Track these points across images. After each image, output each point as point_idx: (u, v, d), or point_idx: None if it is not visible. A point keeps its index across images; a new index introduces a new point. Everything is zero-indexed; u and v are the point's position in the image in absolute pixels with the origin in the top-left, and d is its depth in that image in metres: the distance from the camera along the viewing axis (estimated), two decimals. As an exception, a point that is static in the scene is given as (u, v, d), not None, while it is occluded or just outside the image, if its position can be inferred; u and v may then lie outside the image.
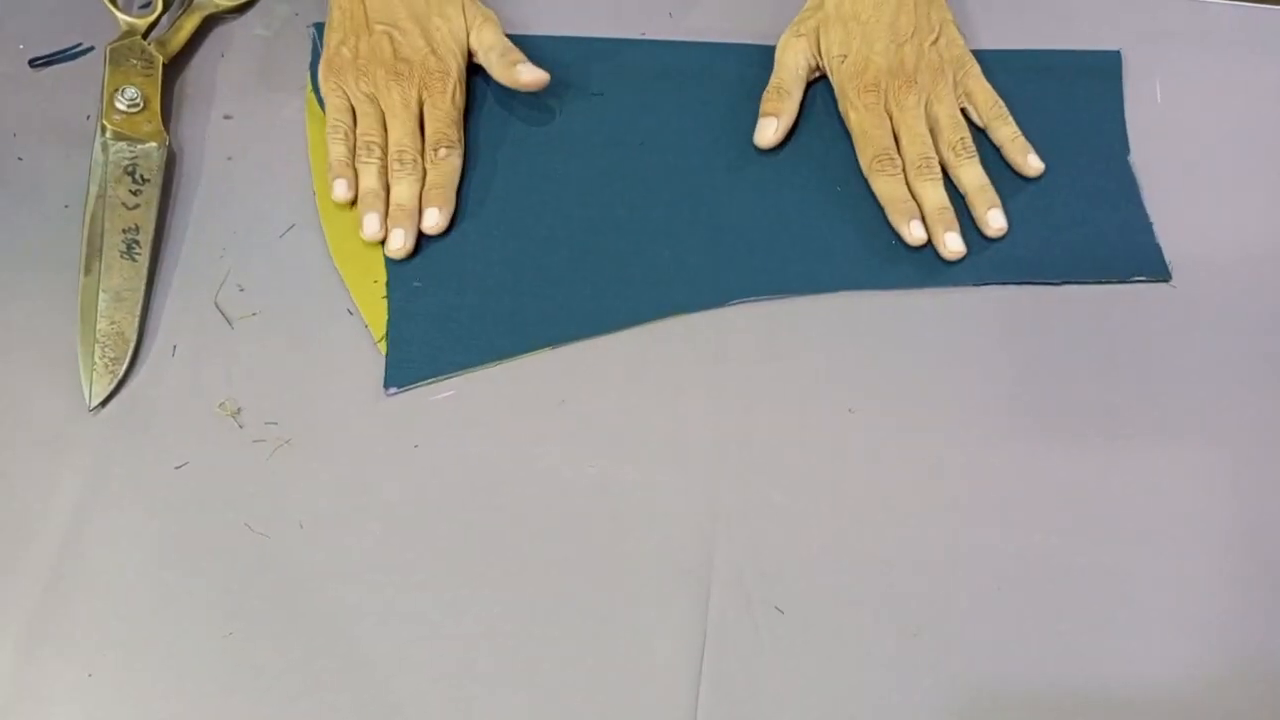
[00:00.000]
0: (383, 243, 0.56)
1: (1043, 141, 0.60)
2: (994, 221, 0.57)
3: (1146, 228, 0.58)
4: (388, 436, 0.52)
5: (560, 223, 0.58)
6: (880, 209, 0.58)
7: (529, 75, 0.59)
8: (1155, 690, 0.48)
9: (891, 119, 0.59)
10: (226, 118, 0.60)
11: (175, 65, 0.61)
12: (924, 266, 0.57)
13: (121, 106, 0.57)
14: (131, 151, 0.57)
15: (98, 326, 0.53)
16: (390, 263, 0.56)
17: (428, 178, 0.57)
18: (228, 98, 0.61)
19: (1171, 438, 0.53)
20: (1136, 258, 0.57)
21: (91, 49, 0.62)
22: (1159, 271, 0.57)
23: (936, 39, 0.60)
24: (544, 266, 0.56)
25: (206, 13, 0.62)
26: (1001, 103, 0.60)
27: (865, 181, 0.59)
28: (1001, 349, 0.55)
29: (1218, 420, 0.53)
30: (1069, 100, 0.62)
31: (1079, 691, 0.48)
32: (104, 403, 0.52)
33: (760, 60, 0.62)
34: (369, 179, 0.57)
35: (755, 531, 0.50)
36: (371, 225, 0.56)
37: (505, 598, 0.49)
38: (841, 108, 0.60)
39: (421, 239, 0.56)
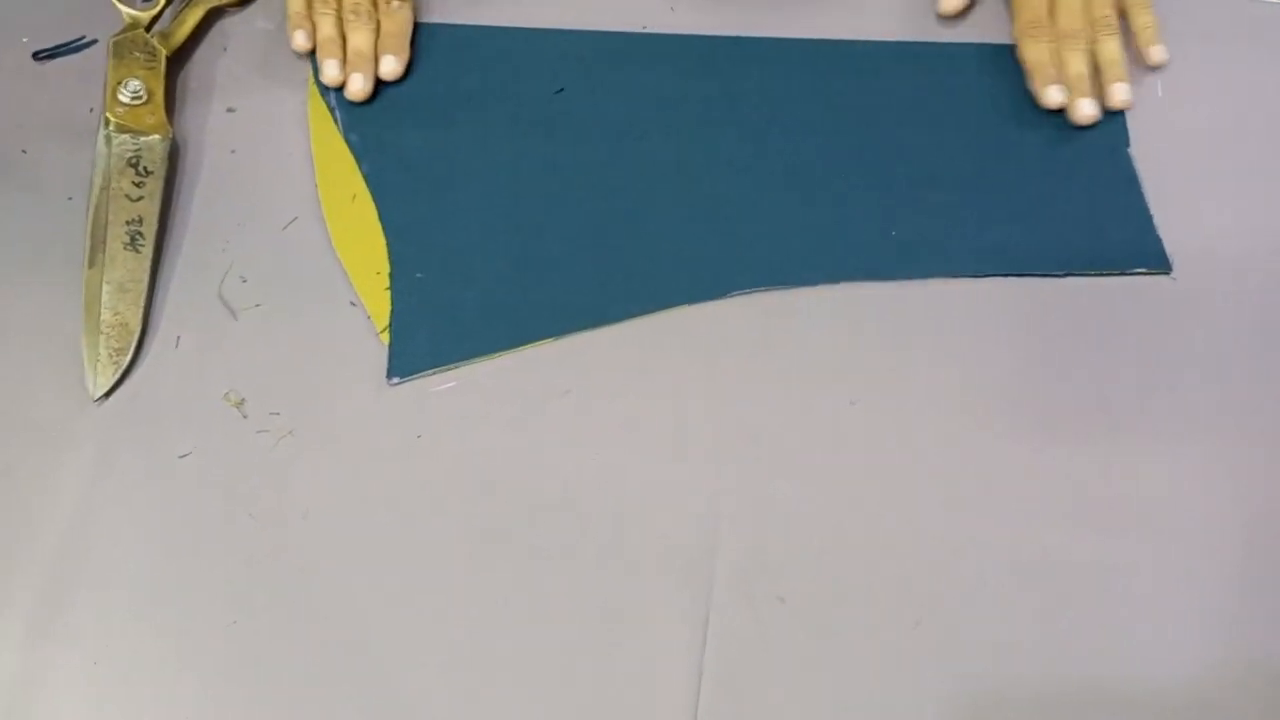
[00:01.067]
0: (341, 88, 0.60)
1: (1043, 135, 0.60)
2: (1120, 94, 0.60)
3: (1147, 220, 0.58)
4: (391, 427, 0.52)
5: (562, 214, 0.58)
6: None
7: None
8: (1156, 685, 0.48)
9: None
10: (229, 110, 0.60)
11: (178, 58, 0.61)
12: (924, 258, 0.57)
13: (125, 99, 0.57)
14: (135, 144, 0.57)
15: (102, 318, 0.53)
16: (393, 254, 0.56)
17: (382, 27, 0.61)
18: (230, 90, 0.61)
19: (1172, 430, 0.53)
20: (1137, 250, 0.58)
21: (95, 42, 0.62)
22: (1159, 264, 0.57)
23: None
24: (546, 258, 0.56)
25: (209, 6, 0.62)
26: None
27: (865, 174, 0.59)
28: (1002, 341, 0.55)
29: (1218, 413, 0.54)
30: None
31: (1079, 684, 0.48)
32: (108, 394, 0.52)
33: (761, 53, 0.62)
34: (326, 28, 0.60)
35: (757, 523, 0.50)
36: (331, 70, 0.60)
37: (507, 588, 0.49)
38: None
39: (424, 232, 0.57)
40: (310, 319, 0.54)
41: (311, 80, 0.61)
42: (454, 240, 0.57)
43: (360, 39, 0.60)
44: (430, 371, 0.53)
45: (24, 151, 0.58)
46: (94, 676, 0.47)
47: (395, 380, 0.53)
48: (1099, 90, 0.60)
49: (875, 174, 0.59)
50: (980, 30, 0.64)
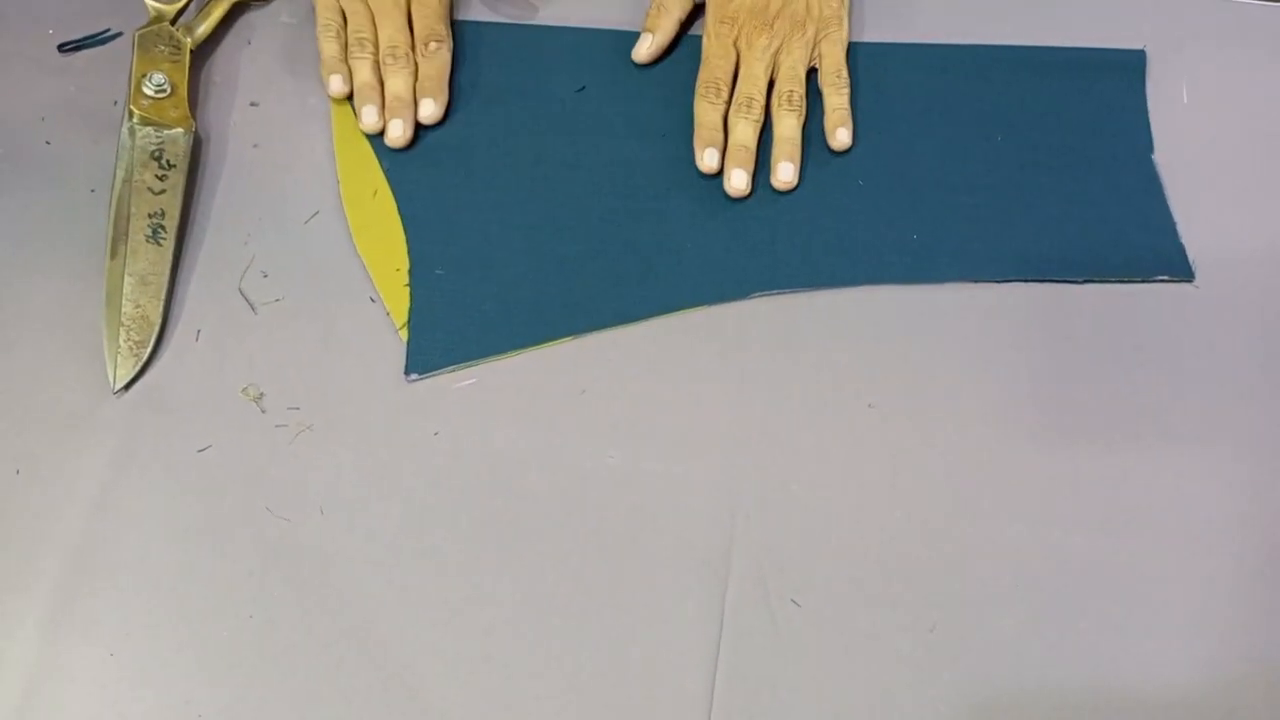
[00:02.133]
0: (381, 134, 0.59)
1: (1066, 139, 0.60)
2: (783, 173, 0.58)
3: (1170, 227, 0.58)
4: (408, 423, 0.52)
5: (582, 213, 0.58)
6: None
7: None
8: (1172, 690, 0.47)
9: (738, 55, 0.60)
10: (252, 105, 0.61)
11: (202, 52, 0.61)
12: (946, 262, 0.57)
13: (149, 92, 0.58)
14: (158, 137, 0.57)
15: (123, 310, 0.53)
16: (413, 251, 0.56)
17: (420, 70, 0.60)
18: (254, 85, 0.61)
19: (1192, 437, 0.53)
20: (1160, 257, 0.57)
21: (120, 35, 0.62)
22: (1182, 271, 0.57)
23: None
24: (566, 256, 0.57)
25: (234, 1, 0.63)
26: (845, 75, 0.61)
27: (888, 177, 0.59)
28: (1022, 346, 0.55)
29: (1239, 420, 0.53)
30: (1093, 98, 0.61)
31: (1095, 689, 0.47)
32: (128, 386, 0.52)
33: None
34: (364, 73, 0.59)
35: (773, 524, 0.50)
36: (370, 117, 0.58)
37: (523, 585, 0.49)
38: (703, 32, 0.62)
39: (444, 229, 0.57)
40: (330, 314, 0.55)
41: (334, 76, 0.61)
42: (474, 237, 0.57)
43: (399, 83, 0.59)
44: (449, 368, 0.53)
45: (48, 143, 0.59)
46: (111, 668, 0.47)
47: (414, 376, 0.53)
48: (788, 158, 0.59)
49: (897, 177, 0.59)
50: (1004, 34, 0.63)
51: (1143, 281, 0.57)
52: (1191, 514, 0.51)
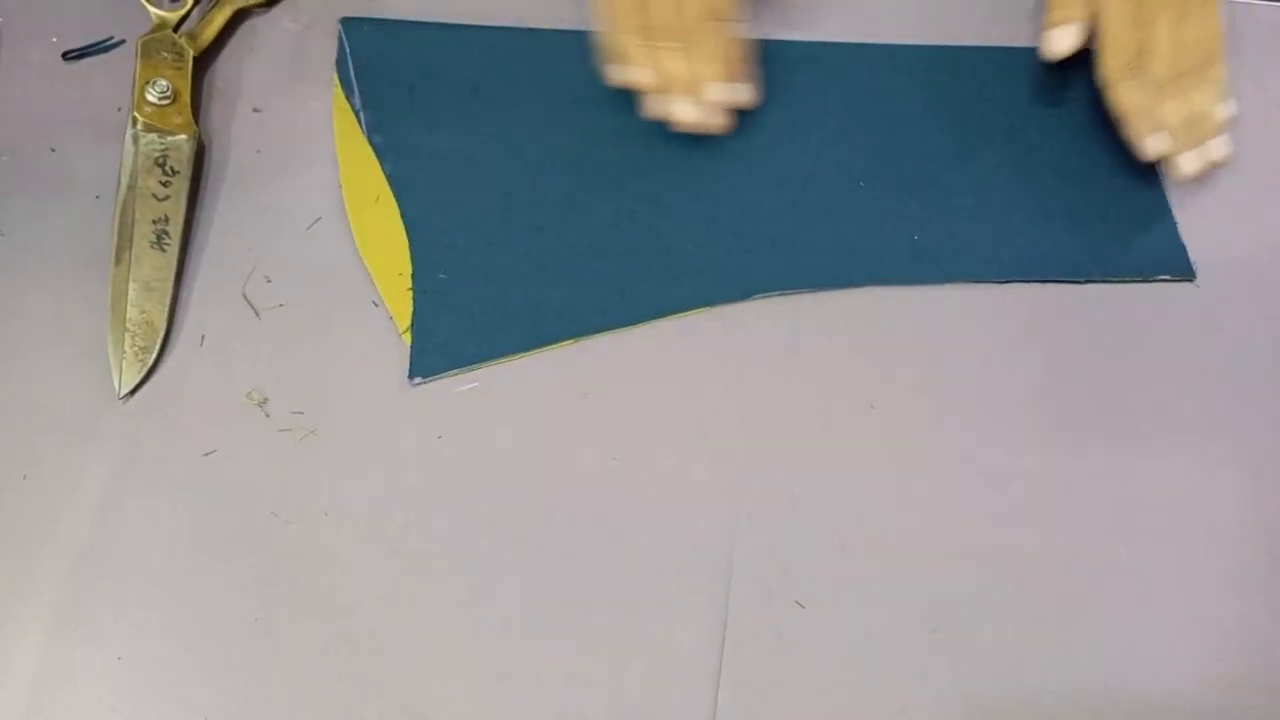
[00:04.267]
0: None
1: (1068, 140, 0.60)
2: (1220, 148, 0.56)
3: (1171, 227, 0.58)
4: (412, 427, 0.52)
5: (584, 216, 0.58)
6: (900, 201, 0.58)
7: None
8: (1175, 691, 0.48)
9: (1142, 28, 0.57)
10: (256, 111, 0.61)
11: (205, 59, 0.62)
12: (947, 263, 0.57)
13: (152, 99, 0.58)
14: (162, 143, 0.57)
15: (127, 316, 0.54)
16: (416, 255, 0.56)
17: (712, 50, 0.57)
18: (257, 91, 0.61)
19: (1194, 437, 0.53)
20: (1161, 257, 0.57)
21: (123, 42, 0.62)
22: (1183, 271, 0.57)
23: None
24: (568, 259, 0.57)
25: (236, 7, 0.63)
26: (1223, 42, 0.58)
27: (889, 178, 0.59)
28: (1024, 347, 0.55)
29: (1241, 420, 0.53)
30: (1094, 99, 0.61)
31: (1098, 690, 0.48)
32: (133, 391, 0.53)
33: (785, 56, 0.63)
34: (657, 62, 0.57)
35: (776, 526, 0.50)
36: (680, 110, 0.57)
37: (526, 589, 0.49)
38: (1094, 9, 0.58)
39: (447, 233, 0.57)
40: (333, 319, 0.55)
41: (337, 82, 0.61)
42: (476, 241, 0.57)
43: (684, 65, 0.56)
44: (452, 372, 0.54)
45: (52, 150, 0.59)
46: (117, 671, 0.47)
47: (417, 380, 0.53)
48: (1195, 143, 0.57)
49: (898, 178, 0.59)
50: (1004, 34, 0.63)
51: (1144, 281, 0.57)
52: (1194, 514, 0.51)
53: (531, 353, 0.54)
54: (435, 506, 0.51)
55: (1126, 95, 0.57)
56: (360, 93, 0.61)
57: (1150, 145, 0.56)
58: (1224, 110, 0.57)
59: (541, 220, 0.58)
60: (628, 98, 0.61)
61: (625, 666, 0.48)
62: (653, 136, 0.60)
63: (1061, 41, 0.58)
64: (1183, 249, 0.58)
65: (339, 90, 0.61)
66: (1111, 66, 0.57)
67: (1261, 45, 0.64)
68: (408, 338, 0.54)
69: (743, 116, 0.61)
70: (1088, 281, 0.57)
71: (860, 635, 0.48)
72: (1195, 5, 0.58)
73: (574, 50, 0.62)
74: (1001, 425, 0.53)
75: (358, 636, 0.48)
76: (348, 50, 0.62)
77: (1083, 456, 0.52)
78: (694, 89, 0.57)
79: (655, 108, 0.57)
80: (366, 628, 0.48)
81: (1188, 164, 0.56)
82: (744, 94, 0.57)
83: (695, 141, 0.60)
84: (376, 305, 0.55)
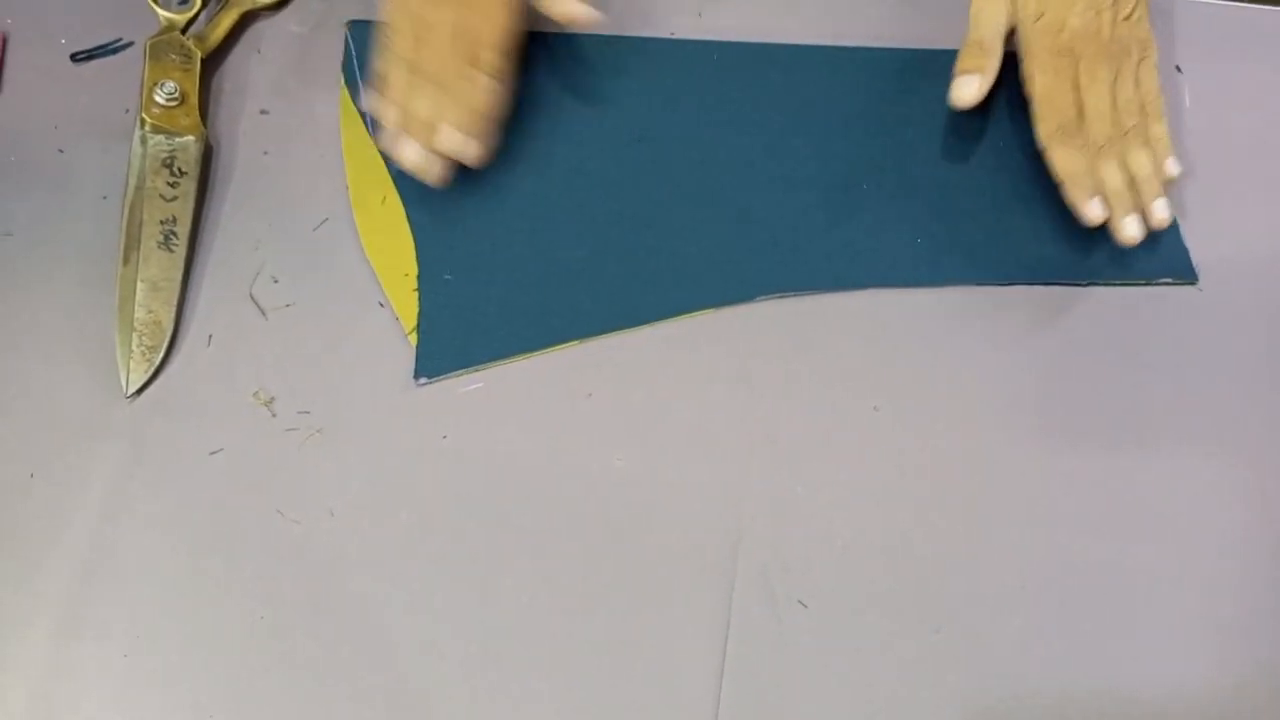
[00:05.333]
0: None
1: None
2: (1160, 211, 0.55)
3: (1173, 230, 0.58)
4: (417, 427, 0.52)
5: (590, 217, 0.58)
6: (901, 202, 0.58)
7: (574, 7, 0.56)
8: (1178, 691, 0.48)
9: (1079, 90, 0.56)
10: (263, 112, 0.61)
11: (213, 60, 0.62)
12: (950, 265, 0.57)
13: (160, 100, 0.58)
14: (169, 144, 0.58)
15: (135, 315, 0.54)
16: (421, 256, 0.57)
17: (465, 99, 0.56)
18: (264, 93, 0.62)
19: (1196, 440, 0.53)
20: (1163, 260, 0.58)
21: (131, 44, 0.62)
22: (1185, 274, 0.57)
23: (1131, 13, 0.58)
24: (573, 260, 0.57)
25: (244, 9, 0.63)
26: (1162, 99, 0.57)
27: (892, 180, 0.59)
28: (1026, 349, 0.55)
29: (1242, 423, 0.53)
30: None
31: (1101, 691, 0.48)
32: (140, 390, 0.53)
33: (789, 59, 0.63)
34: (404, 96, 0.56)
35: (779, 526, 0.51)
36: (405, 150, 0.56)
37: (531, 588, 0.49)
38: (1027, 70, 0.57)
39: (453, 234, 0.57)
40: (339, 319, 0.55)
41: (343, 84, 0.62)
42: (482, 242, 0.57)
43: (428, 107, 0.56)
44: (457, 372, 0.54)
45: (61, 151, 0.59)
46: (123, 669, 0.47)
47: (422, 380, 0.54)
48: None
49: (902, 181, 0.60)
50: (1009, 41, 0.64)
51: (1147, 284, 0.57)
52: (1196, 516, 0.51)
53: (536, 353, 0.55)
54: (440, 506, 0.51)
55: (1063, 159, 0.56)
56: (366, 94, 0.61)
57: (1089, 211, 0.55)
58: (1169, 169, 0.57)
59: (546, 222, 0.58)
60: (631, 101, 0.61)
61: (629, 665, 0.48)
62: (657, 138, 0.60)
63: (965, 90, 0.57)
64: (1185, 252, 0.58)
65: (345, 92, 0.61)
66: (1045, 131, 0.56)
67: (1261, 50, 0.64)
68: (413, 338, 0.54)
69: (749, 118, 0.61)
70: (1090, 284, 0.57)
71: (862, 635, 0.49)
72: (1130, 64, 0.57)
73: (578, 53, 0.63)
74: (1004, 427, 0.53)
75: (363, 635, 0.48)
76: (354, 52, 0.62)
77: (1085, 458, 0.52)
78: (427, 133, 0.55)
79: (385, 142, 0.56)
80: (371, 626, 0.48)
81: (1130, 228, 0.55)
82: (472, 149, 0.56)
83: (700, 144, 0.60)
84: (383, 306, 0.55)
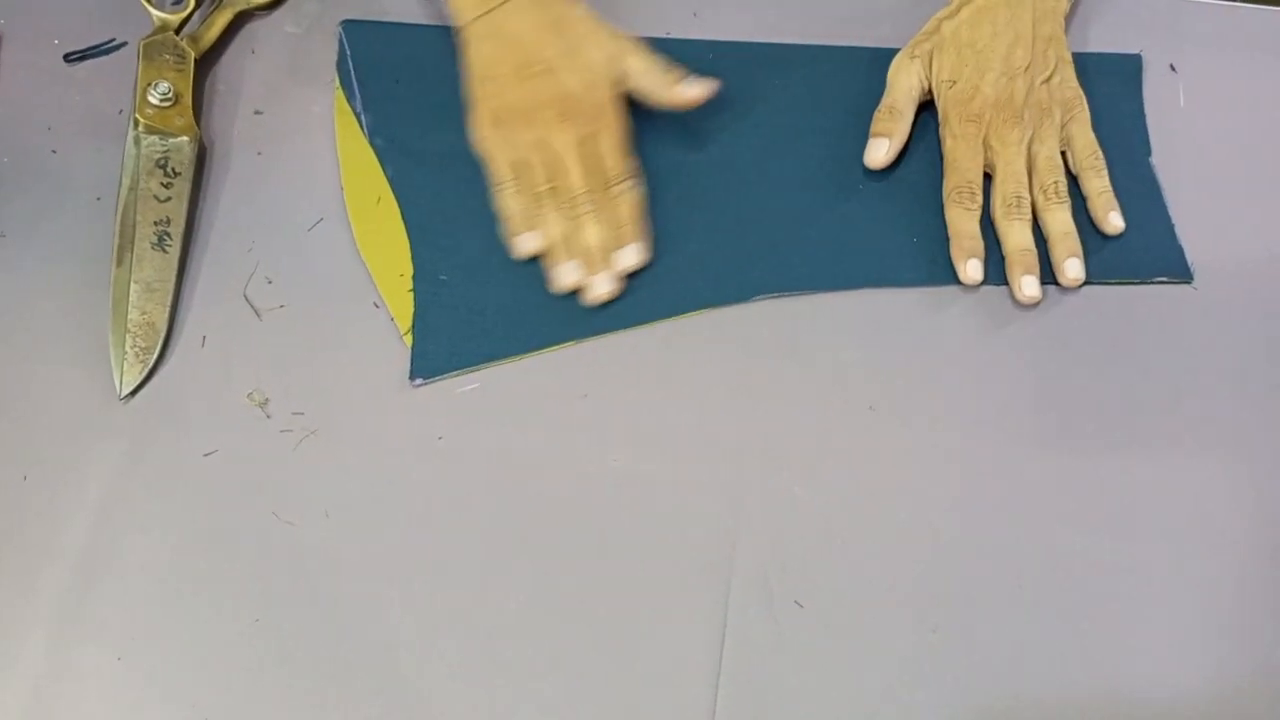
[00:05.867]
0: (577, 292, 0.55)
1: (1065, 143, 0.60)
2: (1070, 270, 0.56)
3: (1169, 230, 0.59)
4: (413, 428, 0.52)
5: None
6: (893, 217, 0.58)
7: (696, 89, 0.57)
8: (1175, 692, 0.48)
9: (989, 152, 0.58)
10: (257, 113, 0.61)
11: (207, 61, 0.62)
12: (946, 265, 0.57)
13: (154, 101, 0.58)
14: (163, 145, 0.58)
15: (129, 317, 0.54)
16: (417, 257, 0.56)
17: (618, 213, 0.56)
18: (258, 93, 0.62)
19: (1192, 439, 0.53)
20: (1159, 259, 0.58)
21: (125, 44, 0.62)
22: (1181, 273, 0.57)
23: (1050, 77, 0.59)
24: (569, 262, 0.57)
25: (238, 9, 0.63)
26: (1100, 154, 0.58)
27: (889, 180, 0.59)
28: (1023, 349, 0.55)
29: (1239, 422, 0.53)
30: (1091, 102, 0.61)
31: (1098, 691, 0.48)
32: (134, 392, 0.53)
33: (785, 59, 0.63)
34: (555, 227, 0.55)
35: (776, 527, 0.51)
36: (569, 275, 0.54)
37: (527, 589, 0.49)
38: (941, 133, 0.59)
39: (448, 235, 0.57)
40: (334, 320, 0.55)
41: (338, 84, 0.62)
42: (477, 243, 0.57)
43: (594, 234, 0.55)
44: (452, 373, 0.54)
45: (54, 152, 0.59)
46: (118, 671, 0.47)
47: (418, 381, 0.53)
48: (1062, 259, 0.56)
49: (898, 181, 0.60)
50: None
51: (1142, 283, 0.57)
52: (1192, 516, 0.51)
53: (532, 354, 0.54)
54: (436, 507, 0.51)
55: (953, 217, 0.57)
56: (361, 95, 0.61)
57: (963, 271, 0.56)
58: (1112, 222, 0.57)
59: (542, 222, 0.58)
60: (628, 101, 0.61)
61: (626, 666, 0.48)
62: (652, 139, 0.60)
63: (876, 153, 0.59)
64: (1180, 251, 0.58)
65: (340, 92, 0.61)
66: (945, 190, 0.58)
67: (1255, 49, 0.64)
68: (409, 339, 0.54)
69: (745, 118, 0.61)
70: (1086, 283, 0.57)
71: (859, 636, 0.49)
72: (1051, 125, 0.58)
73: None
74: (1000, 427, 0.53)
75: (358, 637, 0.48)
76: (349, 53, 0.62)
77: (1081, 458, 0.52)
78: (597, 259, 0.55)
79: (569, 281, 0.55)
80: (367, 627, 0.48)
81: (1026, 287, 0.55)
82: (646, 256, 0.56)
83: (694, 144, 0.60)
84: (378, 306, 0.55)
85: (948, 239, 0.57)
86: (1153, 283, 0.57)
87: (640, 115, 0.60)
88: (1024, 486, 0.52)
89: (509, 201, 0.56)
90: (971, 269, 0.56)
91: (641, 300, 0.56)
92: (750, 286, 0.56)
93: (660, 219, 0.58)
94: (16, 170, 0.58)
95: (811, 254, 0.57)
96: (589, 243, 0.55)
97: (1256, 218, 0.59)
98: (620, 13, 0.64)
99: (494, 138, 0.57)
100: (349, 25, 0.63)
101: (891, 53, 0.62)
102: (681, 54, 0.63)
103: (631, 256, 0.55)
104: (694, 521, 0.51)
